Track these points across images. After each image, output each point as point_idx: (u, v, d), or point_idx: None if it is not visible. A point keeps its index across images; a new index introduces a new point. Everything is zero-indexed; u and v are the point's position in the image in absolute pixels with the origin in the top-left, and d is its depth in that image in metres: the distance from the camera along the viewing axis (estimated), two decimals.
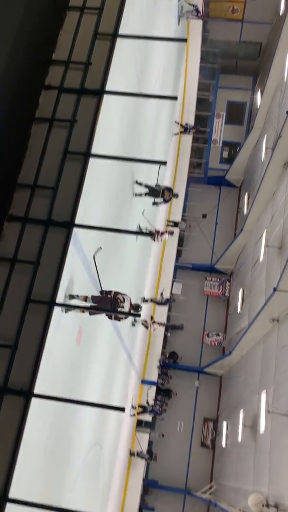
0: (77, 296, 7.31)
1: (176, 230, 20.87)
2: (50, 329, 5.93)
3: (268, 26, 24.75)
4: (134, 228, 12.10)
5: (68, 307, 7.14)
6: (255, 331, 16.22)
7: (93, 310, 7.47)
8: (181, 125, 21.53)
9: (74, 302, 7.20)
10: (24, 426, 5.32)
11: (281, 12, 20.20)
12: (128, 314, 7.70)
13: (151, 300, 17.87)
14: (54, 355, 6.86)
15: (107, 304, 7.43)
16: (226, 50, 26.44)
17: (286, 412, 11.67)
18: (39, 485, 7.01)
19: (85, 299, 7.37)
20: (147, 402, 18.32)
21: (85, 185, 6.72)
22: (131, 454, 18.38)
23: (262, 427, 13.80)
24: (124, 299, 7.53)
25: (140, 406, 18.12)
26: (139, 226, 12.70)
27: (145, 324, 17.28)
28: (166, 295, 19.56)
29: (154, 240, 13.48)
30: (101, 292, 7.55)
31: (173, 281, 23.60)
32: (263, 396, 13.61)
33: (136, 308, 8.08)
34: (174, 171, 22.85)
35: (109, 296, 7.50)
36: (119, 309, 7.42)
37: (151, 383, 19.44)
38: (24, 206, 6.39)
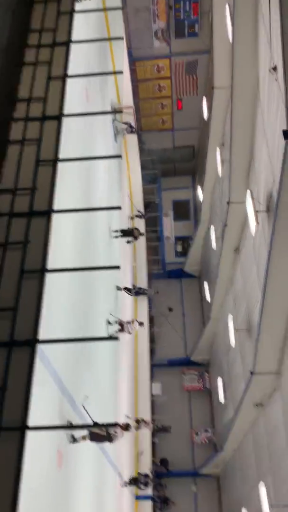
0: (77, 439, 8.18)
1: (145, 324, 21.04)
2: (27, 456, 5.63)
3: (197, 130, 27.42)
4: (101, 334, 12.07)
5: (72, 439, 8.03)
6: (242, 420, 15.74)
7: (94, 440, 8.48)
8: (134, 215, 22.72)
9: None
10: None
11: (205, 118, 22.49)
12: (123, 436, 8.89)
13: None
14: (35, 484, 6.42)
15: (104, 439, 8.45)
16: (163, 156, 28.88)
17: None
18: None
19: (84, 437, 8.26)
20: (139, 473, 17.02)
21: (46, 299, 6.83)
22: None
23: None
24: (116, 432, 8.52)
25: (133, 479, 16.75)
26: (108, 321, 12.97)
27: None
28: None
29: (123, 331, 13.89)
30: (94, 423, 8.31)
31: (151, 383, 23.04)
32: (263, 490, 12.85)
33: (126, 428, 9.46)
34: (134, 270, 23.49)
35: (103, 431, 8.39)
36: (115, 439, 8.48)
37: (145, 497, 18.09)
38: None
